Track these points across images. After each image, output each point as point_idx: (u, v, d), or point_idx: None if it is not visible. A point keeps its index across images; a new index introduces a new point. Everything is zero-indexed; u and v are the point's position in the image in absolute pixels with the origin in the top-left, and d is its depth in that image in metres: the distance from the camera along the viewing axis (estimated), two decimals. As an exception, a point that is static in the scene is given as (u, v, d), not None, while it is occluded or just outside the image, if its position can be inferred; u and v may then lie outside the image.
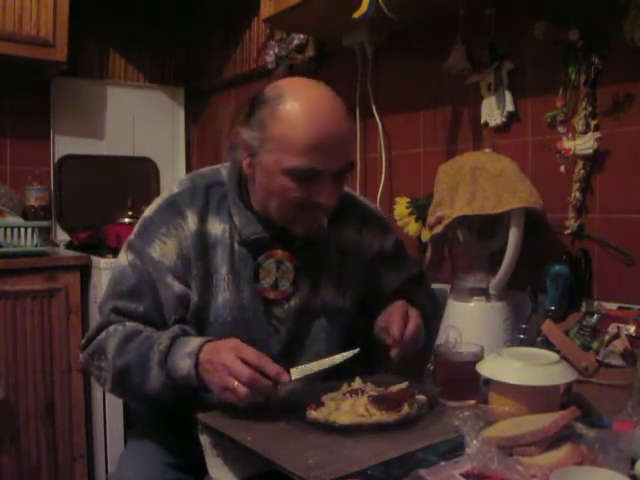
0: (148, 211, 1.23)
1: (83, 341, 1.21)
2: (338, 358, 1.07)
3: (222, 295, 1.17)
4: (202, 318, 1.17)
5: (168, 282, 1.16)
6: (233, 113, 2.58)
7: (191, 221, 1.18)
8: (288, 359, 1.17)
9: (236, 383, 0.98)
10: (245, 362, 0.99)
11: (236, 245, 1.19)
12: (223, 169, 1.26)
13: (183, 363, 1.04)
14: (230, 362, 0.99)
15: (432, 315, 1.36)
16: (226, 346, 1.03)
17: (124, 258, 1.20)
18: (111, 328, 1.16)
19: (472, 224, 1.35)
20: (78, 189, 2.65)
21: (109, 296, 1.20)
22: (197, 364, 1.03)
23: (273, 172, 1.09)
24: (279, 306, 1.20)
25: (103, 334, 1.16)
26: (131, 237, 1.22)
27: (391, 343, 1.13)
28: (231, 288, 1.17)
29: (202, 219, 1.19)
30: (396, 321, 1.13)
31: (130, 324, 1.16)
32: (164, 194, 1.25)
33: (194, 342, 1.07)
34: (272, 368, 1.00)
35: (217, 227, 1.19)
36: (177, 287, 1.16)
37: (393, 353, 1.12)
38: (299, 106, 1.07)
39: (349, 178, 1.21)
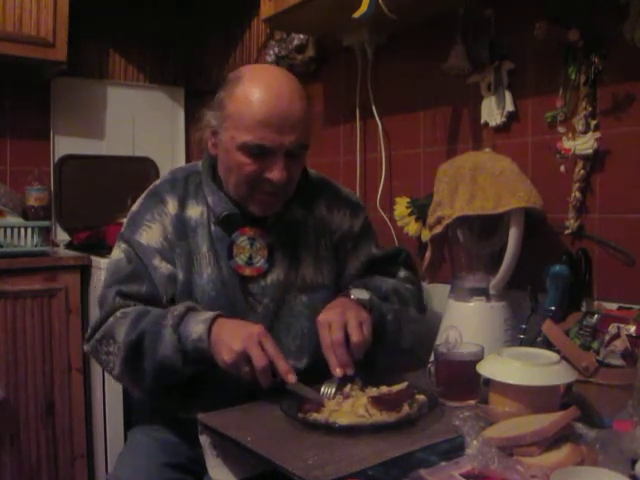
0: (134, 205, 1.31)
1: (89, 331, 1.22)
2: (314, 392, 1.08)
3: (206, 272, 1.22)
4: (190, 296, 1.20)
5: (155, 264, 1.21)
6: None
7: (171, 206, 1.25)
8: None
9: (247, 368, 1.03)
10: (263, 350, 1.03)
11: (212, 225, 1.24)
12: (201, 160, 1.31)
13: (197, 328, 1.08)
14: (252, 344, 1.03)
15: (399, 303, 1.31)
16: (254, 328, 1.06)
17: (117, 250, 1.26)
18: (118, 313, 1.18)
19: (472, 224, 1.35)
20: (78, 189, 2.65)
21: (110, 284, 1.23)
22: (210, 331, 1.07)
23: (230, 149, 1.16)
24: (255, 283, 1.23)
25: (111, 319, 1.18)
26: (122, 230, 1.29)
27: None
28: (212, 264, 1.22)
29: (182, 205, 1.25)
30: (328, 356, 1.10)
31: (139, 306, 1.19)
32: (148, 189, 1.32)
33: (209, 313, 1.12)
34: (284, 366, 1.03)
35: (196, 210, 1.25)
36: (165, 268, 1.21)
37: (339, 373, 1.08)
38: (253, 86, 1.14)
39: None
